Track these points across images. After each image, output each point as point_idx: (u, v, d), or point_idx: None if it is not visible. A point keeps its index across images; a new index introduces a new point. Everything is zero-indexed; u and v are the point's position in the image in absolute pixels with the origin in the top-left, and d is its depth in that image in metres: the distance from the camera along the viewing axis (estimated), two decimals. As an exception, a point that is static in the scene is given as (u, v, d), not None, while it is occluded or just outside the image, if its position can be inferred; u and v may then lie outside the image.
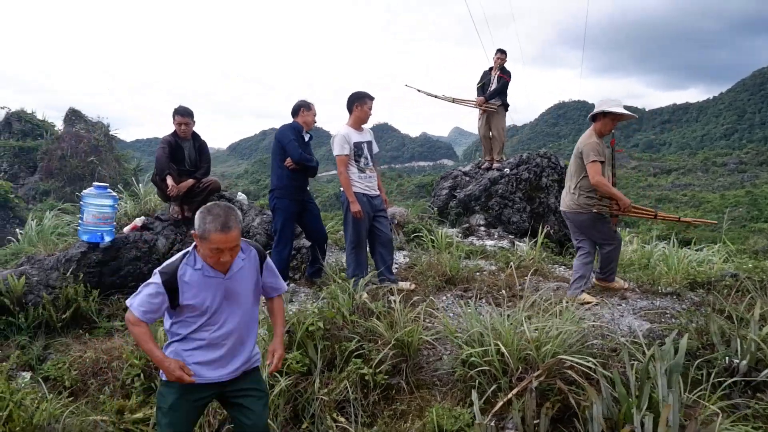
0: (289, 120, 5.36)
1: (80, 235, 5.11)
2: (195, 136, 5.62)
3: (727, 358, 3.49)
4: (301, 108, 5.33)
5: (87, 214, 4.98)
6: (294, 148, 5.14)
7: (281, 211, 5.25)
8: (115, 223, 5.30)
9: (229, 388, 2.62)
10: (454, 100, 9.02)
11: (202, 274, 2.44)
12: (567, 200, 4.88)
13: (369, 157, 5.13)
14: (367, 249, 5.29)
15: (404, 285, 5.11)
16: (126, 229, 5.54)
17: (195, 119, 5.57)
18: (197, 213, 2.39)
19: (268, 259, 2.73)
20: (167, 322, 2.56)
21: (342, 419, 3.43)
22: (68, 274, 4.80)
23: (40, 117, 15.12)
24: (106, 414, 3.59)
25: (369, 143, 5.16)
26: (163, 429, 2.51)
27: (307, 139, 5.39)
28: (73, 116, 14.80)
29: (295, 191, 5.29)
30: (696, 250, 7.35)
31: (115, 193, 5.25)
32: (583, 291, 4.82)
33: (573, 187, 4.79)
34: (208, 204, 2.41)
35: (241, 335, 2.60)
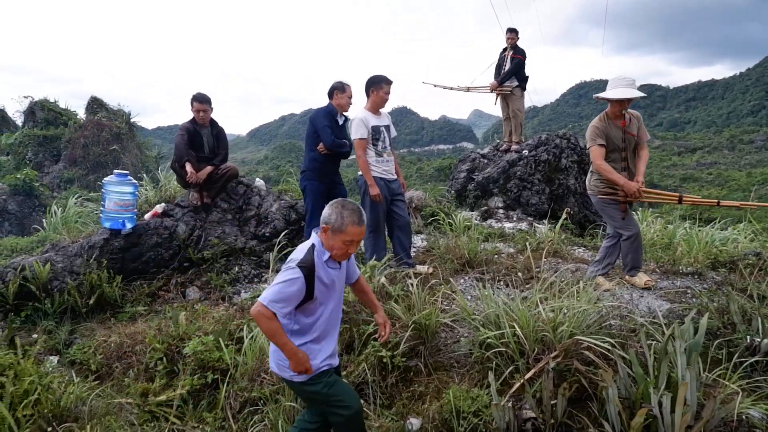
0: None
1: (102, 222, 5.20)
2: (213, 123, 5.66)
3: (748, 337, 3.44)
4: (335, 90, 5.35)
5: (108, 201, 5.06)
6: (327, 135, 5.18)
7: (311, 192, 5.36)
8: (136, 210, 5.38)
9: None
10: (468, 89, 9.09)
11: (327, 266, 2.59)
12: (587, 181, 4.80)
13: (387, 140, 5.11)
14: (386, 233, 5.30)
15: (422, 269, 5.12)
16: (147, 216, 5.62)
17: (213, 106, 5.60)
18: (330, 207, 2.53)
19: None
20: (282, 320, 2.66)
21: (361, 401, 3.46)
22: (92, 260, 4.91)
23: (62, 106, 15.34)
24: (130, 397, 3.69)
25: (387, 127, 5.13)
26: (349, 397, 2.70)
27: (341, 122, 5.43)
28: (95, 105, 14.97)
29: (326, 173, 5.39)
30: (720, 230, 7.20)
31: (135, 181, 5.33)
32: (598, 274, 4.71)
33: (590, 169, 4.72)
34: (339, 200, 2.57)
35: (338, 325, 2.83)
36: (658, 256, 5.71)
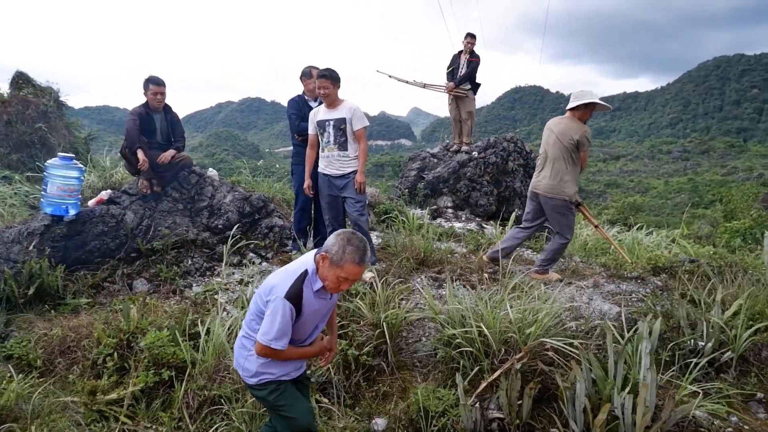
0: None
1: (43, 207, 4.83)
2: (167, 108, 5.40)
3: (691, 340, 3.68)
4: (302, 77, 5.51)
5: (51, 185, 4.71)
6: (291, 122, 5.46)
7: (296, 176, 5.54)
8: (80, 196, 5.05)
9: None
10: (425, 86, 9.10)
11: (317, 295, 2.50)
12: (546, 183, 4.93)
13: (331, 136, 4.94)
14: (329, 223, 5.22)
15: (366, 276, 4.73)
16: (91, 203, 5.29)
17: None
18: (334, 237, 2.42)
19: None
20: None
21: (325, 400, 3.44)
22: (32, 247, 4.56)
23: (-18, 79, 14.12)
24: (76, 395, 3.47)
25: (338, 120, 4.90)
26: (296, 410, 2.62)
27: (315, 106, 5.40)
28: (21, 80, 13.85)
29: None
30: (646, 234, 7.66)
31: (81, 165, 5.00)
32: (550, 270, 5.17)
33: (555, 172, 4.88)
34: (348, 231, 2.45)
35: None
36: (602, 261, 5.99)
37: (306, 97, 5.51)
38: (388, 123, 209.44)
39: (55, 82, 14.84)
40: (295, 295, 2.40)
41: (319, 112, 5.00)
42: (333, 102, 4.92)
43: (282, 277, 2.48)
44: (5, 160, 12.11)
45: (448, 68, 8.81)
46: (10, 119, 12.53)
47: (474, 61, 8.50)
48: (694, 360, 3.43)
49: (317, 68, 5.42)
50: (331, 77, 4.82)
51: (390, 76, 9.64)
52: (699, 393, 3.07)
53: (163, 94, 5.23)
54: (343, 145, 4.95)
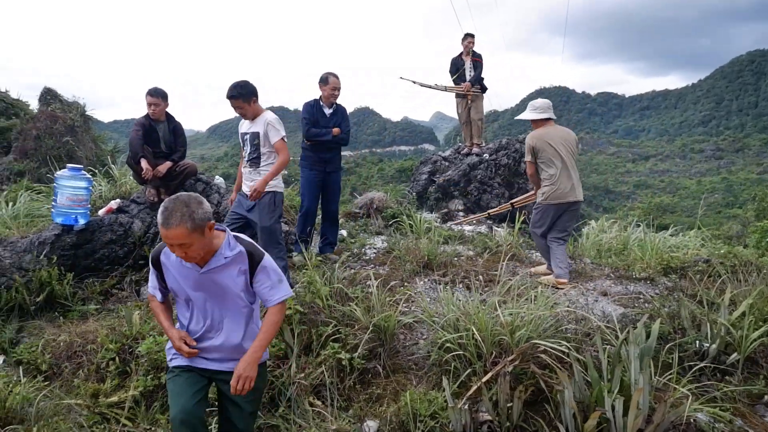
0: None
1: (54, 217, 5.01)
2: (169, 118, 5.53)
3: (697, 342, 3.57)
4: (319, 83, 5.55)
5: (61, 196, 4.88)
6: (302, 126, 5.53)
7: (302, 178, 5.68)
8: (89, 206, 5.21)
9: (221, 380, 2.62)
10: (446, 89, 9.10)
11: (180, 262, 2.45)
12: (581, 190, 5.08)
13: (248, 151, 4.53)
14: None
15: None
16: (101, 212, 5.45)
17: (168, 101, 5.47)
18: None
19: (264, 263, 2.52)
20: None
21: (318, 403, 3.45)
22: (42, 256, 4.72)
23: (14, 96, 14.69)
24: (80, 398, 3.58)
25: (253, 135, 4.49)
26: (172, 401, 2.55)
27: (329, 112, 5.54)
28: (49, 96, 14.37)
29: (316, 162, 5.53)
30: (671, 235, 7.48)
31: (89, 175, 5.16)
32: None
33: (578, 178, 5.07)
34: (179, 193, 2.33)
35: (231, 335, 2.57)
36: (613, 262, 5.88)
37: (321, 103, 5.57)
38: (411, 128, 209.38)
39: (81, 97, 15.25)
40: (155, 256, 2.55)
41: (243, 125, 4.61)
42: (254, 117, 4.49)
43: None
44: (35, 173, 12.55)
45: (452, 74, 8.79)
46: (39, 134, 12.99)
47: (478, 60, 8.46)
48: (698, 362, 3.34)
49: (335, 75, 5.51)
50: (240, 96, 4.32)
51: (414, 82, 9.81)
52: (700, 395, 2.97)
53: (157, 104, 5.33)
54: (255, 162, 4.50)
